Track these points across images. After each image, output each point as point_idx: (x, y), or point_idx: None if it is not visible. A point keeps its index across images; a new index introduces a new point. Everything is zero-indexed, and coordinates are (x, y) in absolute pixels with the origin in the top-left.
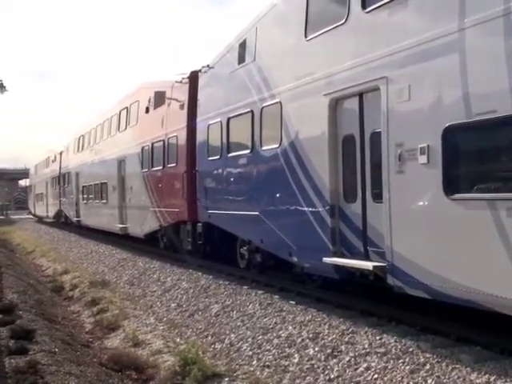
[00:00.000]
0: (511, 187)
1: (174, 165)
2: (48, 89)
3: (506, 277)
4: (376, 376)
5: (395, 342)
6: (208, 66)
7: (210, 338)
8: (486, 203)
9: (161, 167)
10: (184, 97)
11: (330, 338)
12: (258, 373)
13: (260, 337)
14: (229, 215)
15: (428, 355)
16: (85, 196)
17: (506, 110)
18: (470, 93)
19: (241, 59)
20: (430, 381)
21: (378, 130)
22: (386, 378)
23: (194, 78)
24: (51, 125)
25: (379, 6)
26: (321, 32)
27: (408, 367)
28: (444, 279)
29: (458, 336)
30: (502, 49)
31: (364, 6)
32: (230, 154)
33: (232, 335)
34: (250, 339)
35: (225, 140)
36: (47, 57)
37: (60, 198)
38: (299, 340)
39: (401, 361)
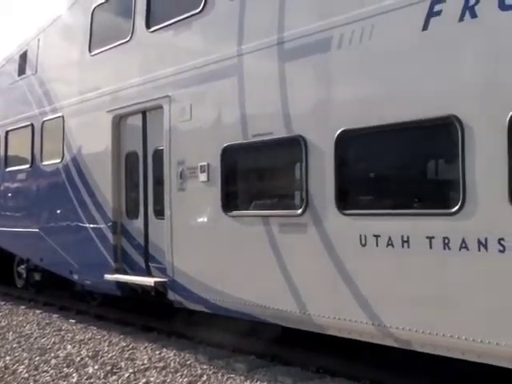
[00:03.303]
0: (283, 204)
1: None
2: None
3: (279, 289)
4: None
5: (174, 355)
6: None
7: None
8: (260, 219)
9: None
10: None
11: (109, 355)
12: None
13: (37, 358)
14: (5, 232)
15: (205, 367)
16: None
17: (280, 132)
18: (247, 115)
19: (21, 71)
20: None
21: (160, 148)
22: None
23: None
24: None
25: (163, 27)
26: (106, 48)
27: (186, 379)
28: (223, 293)
29: (234, 347)
30: (276, 75)
31: (148, 25)
32: (8, 169)
33: (7, 358)
34: (26, 361)
35: (2, 154)
36: None
37: None
38: (78, 359)
39: (179, 374)
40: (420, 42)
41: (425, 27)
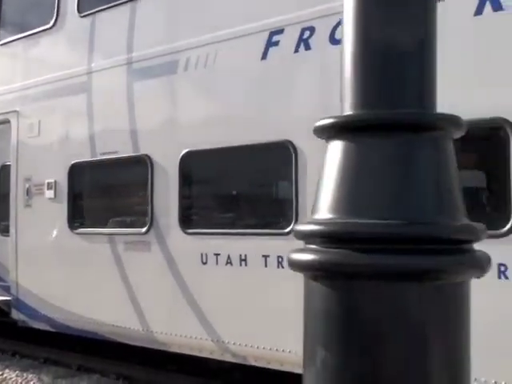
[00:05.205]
0: (128, 223)
1: None
2: None
3: (123, 307)
4: None
5: (16, 376)
6: None
7: None
8: (106, 237)
9: None
10: None
11: None
12: None
13: None
14: None
15: None
16: None
17: (127, 150)
18: (96, 133)
19: None
20: None
21: (7, 163)
22: None
23: None
24: None
25: (12, 40)
26: None
27: None
28: (68, 312)
29: (79, 365)
30: (124, 94)
31: None
32: None
33: None
34: None
35: None
36: None
37: None
38: None
39: None
40: (259, 70)
41: (264, 56)
